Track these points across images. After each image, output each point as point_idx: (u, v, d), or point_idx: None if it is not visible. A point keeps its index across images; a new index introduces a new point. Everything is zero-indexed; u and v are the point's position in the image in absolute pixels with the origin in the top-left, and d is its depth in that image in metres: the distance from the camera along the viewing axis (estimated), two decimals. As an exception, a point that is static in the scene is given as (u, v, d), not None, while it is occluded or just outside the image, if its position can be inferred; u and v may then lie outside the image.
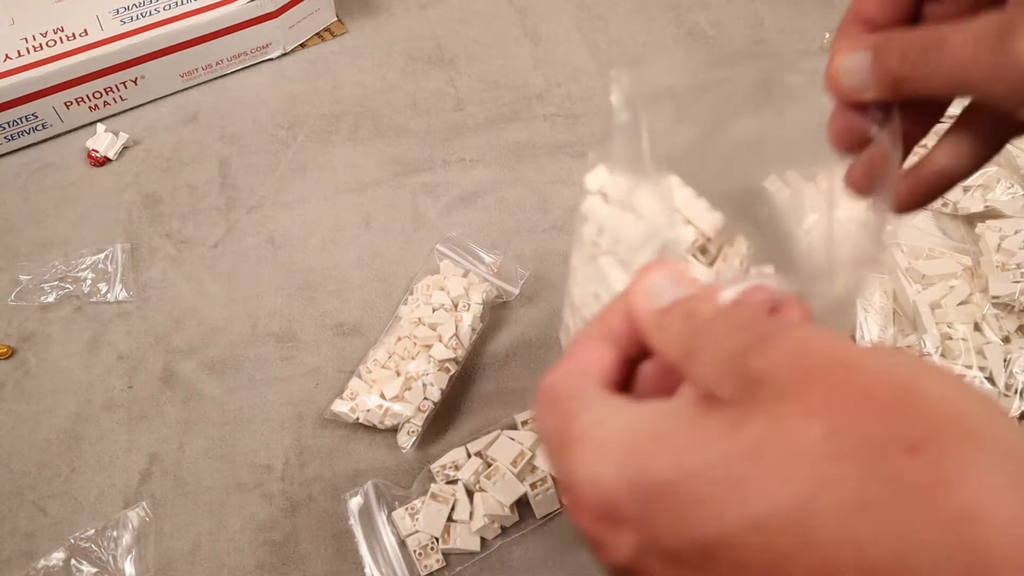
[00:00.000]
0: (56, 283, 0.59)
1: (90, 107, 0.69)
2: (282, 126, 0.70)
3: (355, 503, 0.48)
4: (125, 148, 0.68)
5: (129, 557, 0.47)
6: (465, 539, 0.47)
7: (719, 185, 0.34)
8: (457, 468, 0.49)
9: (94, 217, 0.64)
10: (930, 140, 0.26)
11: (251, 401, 0.54)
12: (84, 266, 0.60)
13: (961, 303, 0.51)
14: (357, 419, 0.51)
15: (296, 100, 0.72)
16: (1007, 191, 0.56)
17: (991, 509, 0.13)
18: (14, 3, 0.68)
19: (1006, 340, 0.49)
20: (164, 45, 0.68)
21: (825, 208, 0.26)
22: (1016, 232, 0.52)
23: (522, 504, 0.48)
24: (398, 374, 0.52)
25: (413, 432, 0.50)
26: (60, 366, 0.56)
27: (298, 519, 0.49)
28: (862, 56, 0.23)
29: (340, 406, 0.51)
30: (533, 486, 0.47)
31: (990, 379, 0.47)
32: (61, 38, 0.66)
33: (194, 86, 0.73)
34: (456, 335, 0.53)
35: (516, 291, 0.57)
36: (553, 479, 0.47)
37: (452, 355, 0.52)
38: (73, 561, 0.47)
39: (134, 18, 0.68)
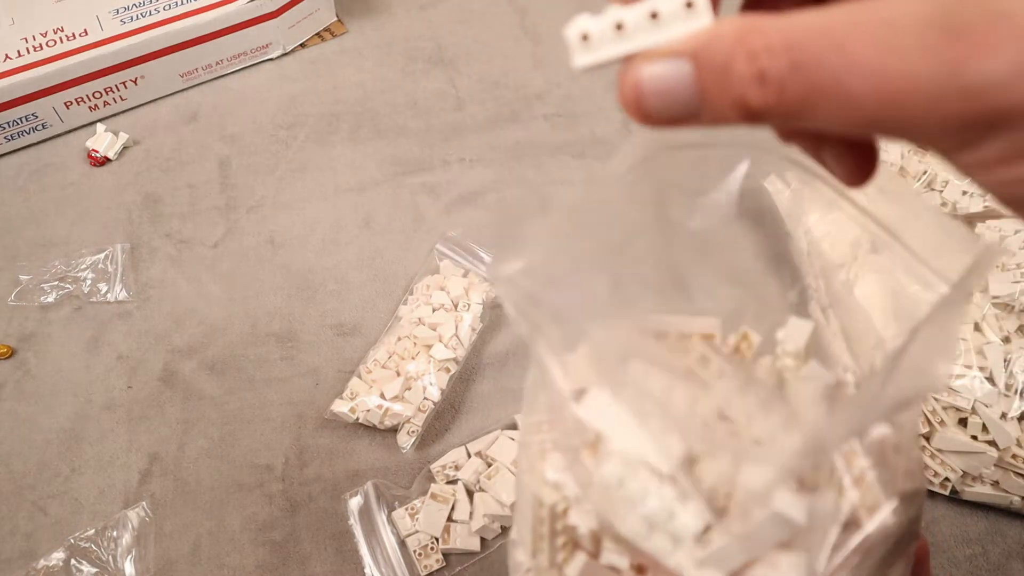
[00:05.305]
0: (56, 283, 0.59)
1: (90, 107, 0.69)
2: (282, 126, 0.70)
3: (355, 503, 0.48)
4: (125, 148, 0.68)
5: (129, 557, 0.47)
6: (465, 539, 0.47)
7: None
8: (457, 468, 0.49)
9: (94, 217, 0.64)
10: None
11: (251, 401, 0.54)
12: (84, 266, 0.60)
13: (961, 303, 0.51)
14: (357, 419, 0.51)
15: (296, 100, 0.72)
16: (1007, 191, 0.56)
17: None
18: (14, 3, 0.68)
19: (1006, 340, 0.49)
20: (164, 45, 0.69)
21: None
22: (1016, 232, 0.52)
23: (522, 504, 0.48)
24: (398, 374, 0.52)
25: (413, 432, 0.50)
26: (60, 366, 0.56)
27: (298, 519, 0.49)
28: (678, 66, 0.15)
29: (340, 406, 0.51)
30: (533, 486, 0.47)
31: (990, 379, 0.47)
32: (61, 38, 0.66)
33: (194, 86, 0.73)
34: (456, 335, 0.53)
35: (516, 291, 0.57)
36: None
37: (452, 355, 0.52)
38: (73, 561, 0.47)
39: (134, 18, 0.68)
